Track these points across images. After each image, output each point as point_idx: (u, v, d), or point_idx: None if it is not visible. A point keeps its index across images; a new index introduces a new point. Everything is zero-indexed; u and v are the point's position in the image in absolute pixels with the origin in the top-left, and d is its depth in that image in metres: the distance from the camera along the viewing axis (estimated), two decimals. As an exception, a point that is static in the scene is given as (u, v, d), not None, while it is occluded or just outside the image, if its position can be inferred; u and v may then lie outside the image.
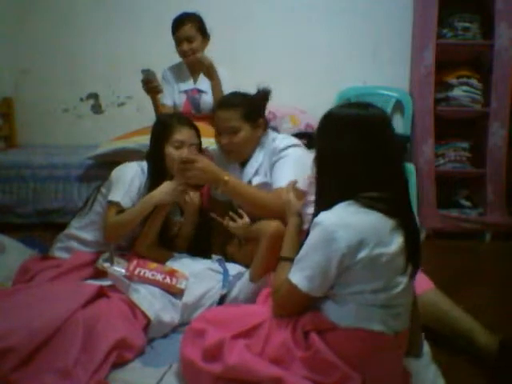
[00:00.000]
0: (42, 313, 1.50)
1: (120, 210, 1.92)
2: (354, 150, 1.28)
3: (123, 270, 1.77)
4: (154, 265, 1.81)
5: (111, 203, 1.93)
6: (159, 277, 1.76)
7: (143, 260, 1.84)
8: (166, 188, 1.91)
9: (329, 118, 1.36)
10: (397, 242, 1.26)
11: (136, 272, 1.76)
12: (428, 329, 1.64)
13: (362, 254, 1.22)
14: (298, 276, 1.30)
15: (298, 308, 1.36)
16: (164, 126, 2.02)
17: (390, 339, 1.29)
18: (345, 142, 1.29)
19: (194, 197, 1.99)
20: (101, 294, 1.65)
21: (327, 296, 1.32)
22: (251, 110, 2.04)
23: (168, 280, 1.76)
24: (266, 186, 2.03)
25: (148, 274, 1.76)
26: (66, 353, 1.42)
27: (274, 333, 1.35)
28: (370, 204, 1.26)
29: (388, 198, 1.27)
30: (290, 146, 2.03)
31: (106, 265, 1.81)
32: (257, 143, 2.10)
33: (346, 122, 1.32)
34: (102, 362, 1.42)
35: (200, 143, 2.08)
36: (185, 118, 2.09)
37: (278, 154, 2.03)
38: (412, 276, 1.32)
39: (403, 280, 1.28)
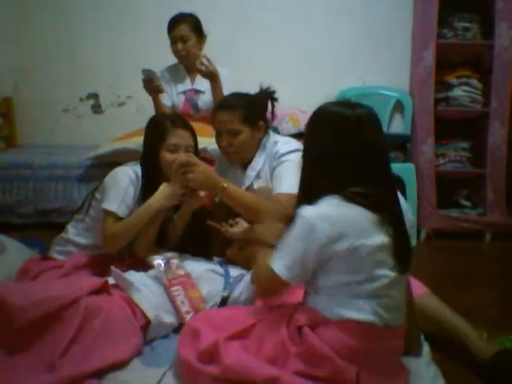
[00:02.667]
0: (48, 290, 1.54)
1: (117, 218, 1.89)
2: (340, 147, 1.33)
3: (165, 280, 1.75)
4: (196, 294, 1.75)
5: (108, 213, 1.89)
6: (179, 302, 1.72)
7: (192, 284, 1.78)
8: (163, 193, 1.88)
9: (317, 116, 1.42)
10: (380, 236, 1.29)
11: (173, 289, 1.73)
12: (424, 332, 1.64)
13: (342, 246, 1.27)
14: (279, 264, 1.34)
15: (278, 291, 1.52)
16: (158, 128, 1.96)
17: (382, 330, 1.30)
18: (331, 140, 1.34)
19: (201, 194, 1.95)
20: (104, 289, 1.65)
21: (317, 292, 1.35)
22: (251, 112, 2.02)
23: (181, 307, 1.71)
24: (266, 190, 2.03)
25: (176, 293, 1.73)
26: (59, 338, 1.44)
27: (268, 332, 1.36)
28: (353, 198, 1.29)
29: (372, 193, 1.30)
30: (291, 152, 2.01)
31: (158, 261, 1.80)
32: (258, 145, 2.09)
33: (333, 120, 1.36)
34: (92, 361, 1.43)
35: (196, 144, 2.03)
36: (179, 119, 2.02)
37: (279, 159, 2.01)
38: (402, 271, 1.33)
39: (389, 273, 1.30)
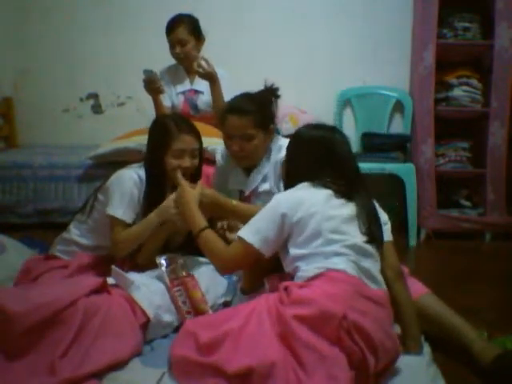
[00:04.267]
0: (45, 294, 1.53)
1: (125, 224, 1.89)
2: (319, 159, 1.61)
3: (167, 280, 1.75)
4: (198, 295, 1.75)
5: (115, 219, 1.88)
6: (181, 302, 1.72)
7: (194, 284, 1.78)
8: (170, 205, 1.85)
9: (297, 137, 1.70)
10: (337, 210, 1.51)
11: (175, 289, 1.73)
12: (424, 332, 1.64)
13: (300, 212, 1.49)
14: (245, 231, 1.55)
15: (243, 262, 1.60)
16: (162, 133, 1.93)
17: (359, 283, 1.42)
18: (311, 156, 1.62)
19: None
20: (103, 288, 1.65)
21: (293, 264, 1.49)
22: (264, 116, 2.00)
23: (182, 307, 1.71)
24: (270, 194, 2.02)
25: (177, 294, 1.73)
26: (58, 340, 1.44)
27: (262, 307, 1.41)
28: (322, 183, 1.56)
29: (339, 183, 1.56)
30: None
31: (160, 261, 1.79)
32: (267, 148, 2.08)
33: (312, 140, 1.64)
34: (91, 361, 1.42)
35: (201, 147, 2.01)
36: (185, 121, 1.99)
37: None
38: (370, 242, 1.50)
39: (346, 237, 1.47)
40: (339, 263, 1.43)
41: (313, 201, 1.51)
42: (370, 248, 1.50)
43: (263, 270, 1.72)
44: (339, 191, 1.54)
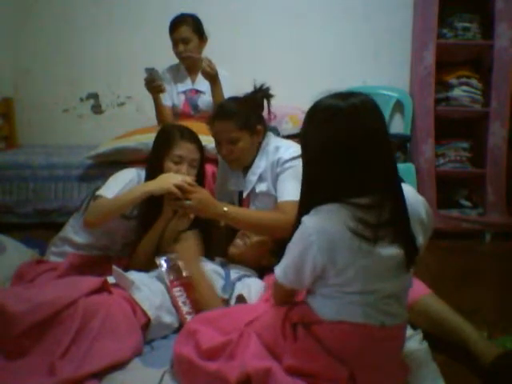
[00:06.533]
0: (45, 294, 1.53)
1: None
2: (337, 140, 1.22)
3: (167, 281, 1.75)
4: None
5: (98, 197, 1.88)
6: (181, 302, 1.72)
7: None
8: (161, 180, 1.86)
9: (311, 111, 1.30)
10: (382, 252, 1.23)
11: (175, 290, 1.74)
12: (425, 332, 1.64)
13: (335, 262, 1.22)
14: (279, 267, 1.36)
15: (285, 297, 1.43)
16: (166, 138, 1.99)
17: (377, 330, 1.27)
18: (327, 134, 1.24)
19: (179, 223, 1.96)
20: (104, 288, 1.65)
21: (312, 292, 1.34)
22: (248, 117, 2.00)
23: (182, 308, 1.72)
24: (268, 195, 2.03)
25: (177, 294, 1.73)
26: (58, 340, 1.44)
27: (264, 329, 1.39)
28: (358, 217, 1.21)
29: (378, 206, 1.22)
30: (295, 158, 1.96)
31: (161, 261, 1.80)
32: (257, 149, 2.08)
33: (327, 112, 1.25)
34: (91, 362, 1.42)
35: (202, 157, 2.05)
36: (189, 132, 2.04)
37: (283, 166, 1.99)
38: (407, 269, 1.30)
39: (385, 286, 1.27)
40: (357, 315, 1.26)
41: (348, 248, 1.22)
42: (400, 284, 1.32)
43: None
44: (373, 224, 1.22)
